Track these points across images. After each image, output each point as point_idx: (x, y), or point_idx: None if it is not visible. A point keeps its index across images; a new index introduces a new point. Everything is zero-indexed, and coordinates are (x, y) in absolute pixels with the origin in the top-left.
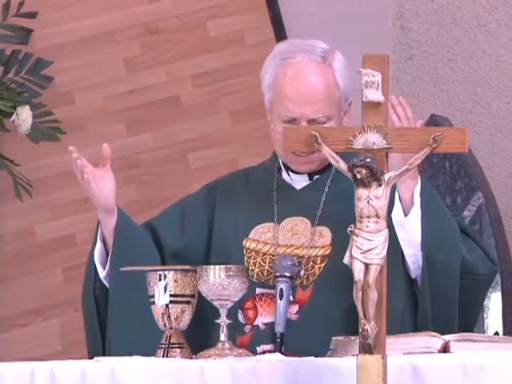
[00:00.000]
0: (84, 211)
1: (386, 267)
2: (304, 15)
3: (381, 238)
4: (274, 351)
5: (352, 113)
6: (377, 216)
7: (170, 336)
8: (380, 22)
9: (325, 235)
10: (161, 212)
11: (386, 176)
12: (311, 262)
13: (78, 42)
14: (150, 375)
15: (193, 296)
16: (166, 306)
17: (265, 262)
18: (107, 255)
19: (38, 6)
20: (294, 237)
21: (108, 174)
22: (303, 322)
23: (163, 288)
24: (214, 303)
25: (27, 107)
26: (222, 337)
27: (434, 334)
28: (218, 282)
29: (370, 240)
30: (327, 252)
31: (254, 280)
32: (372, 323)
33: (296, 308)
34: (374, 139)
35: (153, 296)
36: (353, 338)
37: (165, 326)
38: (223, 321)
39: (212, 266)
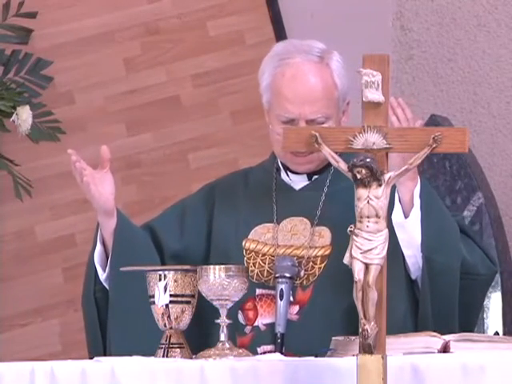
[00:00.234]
0: (84, 211)
1: (386, 267)
2: (304, 15)
3: (381, 238)
4: (275, 352)
5: (351, 113)
6: (377, 216)
7: (170, 336)
8: (380, 22)
9: (324, 235)
10: (160, 213)
11: (386, 176)
12: (311, 263)
13: (77, 42)
14: (150, 375)
15: (193, 296)
16: (166, 306)
17: (264, 263)
18: (107, 257)
19: (38, 5)
20: (294, 237)
21: (107, 176)
22: (304, 323)
23: (163, 288)
24: (214, 303)
25: (27, 107)
26: (222, 337)
27: (434, 334)
28: (218, 282)
29: (370, 240)
30: (327, 252)
31: (254, 281)
32: (372, 323)
33: (296, 308)
34: (373, 139)
35: (153, 296)
36: (353, 337)
37: (165, 325)
38: (223, 321)
39: (212, 266)
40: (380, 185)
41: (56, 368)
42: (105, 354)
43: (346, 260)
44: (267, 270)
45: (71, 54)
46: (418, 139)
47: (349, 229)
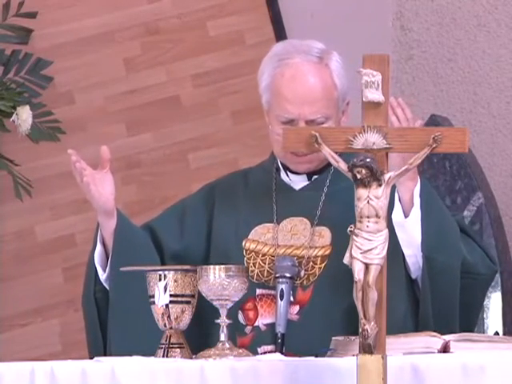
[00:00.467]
0: (84, 211)
1: (386, 267)
2: (304, 15)
3: (381, 238)
4: (275, 352)
5: (351, 113)
6: (377, 216)
7: (170, 336)
8: (380, 22)
9: (324, 235)
10: (160, 213)
11: (386, 176)
12: (311, 263)
13: (77, 42)
14: (150, 375)
15: (193, 296)
16: (166, 306)
17: (265, 263)
18: (107, 258)
19: (38, 5)
20: (294, 237)
21: (107, 176)
22: (304, 323)
23: (163, 288)
24: (214, 303)
25: (27, 107)
26: (222, 337)
27: (434, 334)
28: (218, 282)
29: (370, 240)
30: (327, 252)
31: (254, 281)
32: (372, 323)
33: (297, 308)
34: (374, 139)
35: (153, 296)
36: (353, 338)
37: (165, 325)
38: (223, 321)
39: (212, 266)
40: (380, 185)
41: (56, 368)
42: (105, 354)
43: (346, 260)
44: (267, 270)
45: (71, 54)
46: (418, 139)
47: (349, 229)
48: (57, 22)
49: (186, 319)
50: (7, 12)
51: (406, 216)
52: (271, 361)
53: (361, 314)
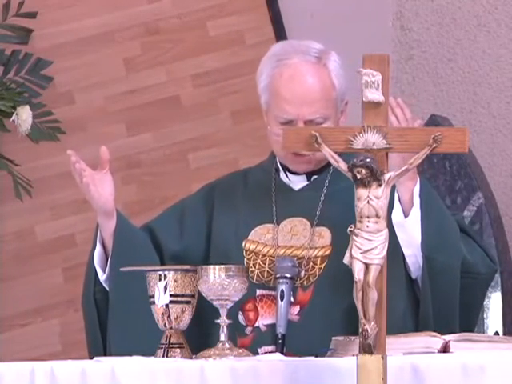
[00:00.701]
0: (84, 211)
1: (386, 267)
2: (304, 15)
3: (381, 238)
4: (276, 353)
5: (351, 113)
6: (377, 216)
7: (170, 336)
8: (380, 22)
9: (324, 236)
10: (159, 214)
11: (386, 176)
12: (311, 263)
13: (78, 42)
14: (150, 375)
15: (193, 296)
16: (166, 306)
17: (265, 264)
18: (107, 258)
19: (38, 5)
20: (294, 238)
21: (107, 177)
22: (304, 323)
23: (163, 288)
24: (214, 303)
25: (27, 107)
26: (222, 337)
27: (434, 334)
28: (218, 282)
29: (370, 240)
30: (327, 252)
31: (255, 281)
32: (372, 323)
33: (297, 309)
34: (374, 139)
35: (153, 296)
36: (353, 338)
37: (165, 325)
38: (223, 321)
39: (212, 266)
40: (380, 185)
41: (56, 368)
42: (105, 355)
43: (346, 260)
44: (267, 271)
45: (71, 54)
46: (418, 139)
47: (349, 229)
48: (57, 22)
49: (186, 319)
50: (7, 12)
51: (405, 216)
52: (271, 361)
53: (361, 314)
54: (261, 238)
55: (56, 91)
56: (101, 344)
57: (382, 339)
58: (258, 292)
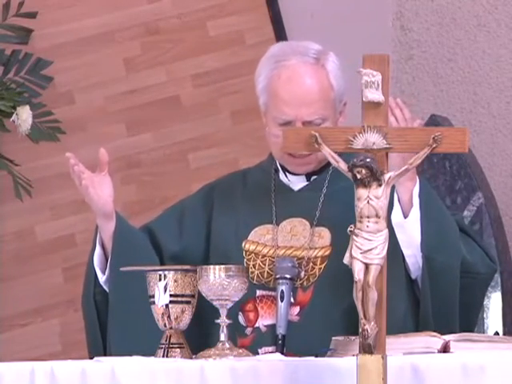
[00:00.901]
0: (84, 211)
1: (386, 267)
2: (304, 15)
3: (381, 238)
4: (276, 353)
5: (351, 113)
6: (377, 216)
7: (170, 336)
8: (380, 22)
9: (324, 236)
10: (159, 214)
11: (386, 176)
12: (311, 263)
13: (77, 42)
14: (150, 375)
15: (193, 296)
16: (166, 306)
17: (265, 264)
18: (106, 260)
19: (38, 5)
20: (294, 238)
21: (106, 179)
22: (305, 324)
23: (163, 288)
24: (214, 303)
25: (27, 107)
26: (222, 337)
27: (434, 334)
28: (218, 282)
29: (370, 240)
30: (327, 253)
31: (254, 282)
32: (372, 323)
33: (297, 309)
34: (374, 139)
35: (153, 296)
36: (353, 338)
37: (165, 325)
38: (223, 321)
39: (212, 266)
40: (380, 185)
41: (56, 368)
42: (105, 355)
43: (345, 260)
44: (267, 272)
45: (71, 54)
46: (418, 139)
47: (349, 229)
48: (57, 22)
49: (186, 319)
50: (7, 12)
51: (405, 216)
52: (271, 361)
53: (361, 314)
54: (260, 239)
55: (56, 91)
56: (101, 344)
57: (382, 339)
58: (258, 293)
